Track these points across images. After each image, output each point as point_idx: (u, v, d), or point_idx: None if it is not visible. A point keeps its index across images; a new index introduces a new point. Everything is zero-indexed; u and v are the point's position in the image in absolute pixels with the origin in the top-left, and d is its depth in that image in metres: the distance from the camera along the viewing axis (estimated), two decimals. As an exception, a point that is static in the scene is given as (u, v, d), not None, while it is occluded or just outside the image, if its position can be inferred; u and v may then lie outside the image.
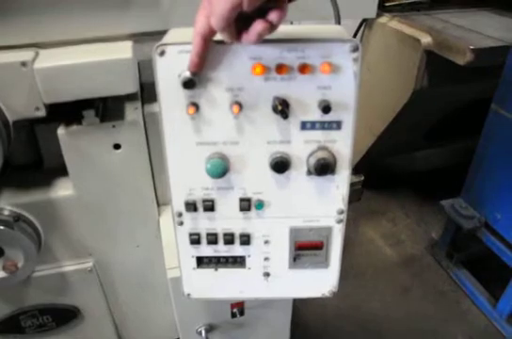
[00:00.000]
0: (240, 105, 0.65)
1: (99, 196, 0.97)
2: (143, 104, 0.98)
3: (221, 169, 0.67)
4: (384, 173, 2.38)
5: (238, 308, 0.99)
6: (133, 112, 0.94)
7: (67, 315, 1.14)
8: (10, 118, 0.87)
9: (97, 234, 1.02)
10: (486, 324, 1.70)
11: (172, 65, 0.64)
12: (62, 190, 0.97)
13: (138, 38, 0.94)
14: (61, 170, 0.96)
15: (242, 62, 0.63)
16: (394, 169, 2.41)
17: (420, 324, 1.72)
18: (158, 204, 1.05)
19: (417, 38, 1.55)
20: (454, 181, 1.83)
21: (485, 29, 1.61)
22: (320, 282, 0.80)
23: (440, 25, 1.62)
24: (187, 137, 0.68)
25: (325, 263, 0.77)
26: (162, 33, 0.78)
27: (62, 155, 0.93)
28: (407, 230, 2.17)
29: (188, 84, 0.63)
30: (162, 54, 0.63)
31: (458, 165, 1.95)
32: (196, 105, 0.65)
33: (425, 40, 1.53)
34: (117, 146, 0.93)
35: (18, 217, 0.95)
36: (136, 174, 0.97)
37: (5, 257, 0.96)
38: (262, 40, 0.60)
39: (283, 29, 0.67)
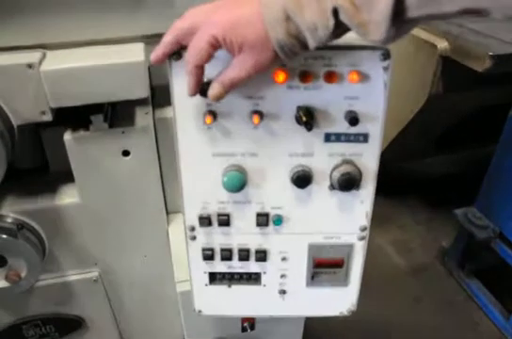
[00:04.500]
0: (261, 115, 0.61)
1: (106, 204, 0.94)
2: (154, 109, 0.95)
3: (239, 183, 0.63)
4: (394, 179, 2.33)
5: (249, 323, 0.96)
6: (143, 117, 0.90)
7: (71, 326, 1.10)
8: (15, 122, 0.83)
9: (103, 244, 0.98)
10: (498, 336, 1.66)
11: None
12: (68, 198, 0.93)
13: (150, 39, 0.90)
14: (67, 176, 0.92)
15: None
16: (405, 174, 2.37)
17: (430, 335, 1.68)
18: (167, 212, 1.01)
19: (433, 43, 1.51)
20: (465, 188, 1.80)
21: (501, 34, 1.56)
22: (338, 300, 0.76)
23: (457, 30, 1.58)
24: (203, 148, 0.64)
25: (344, 281, 0.74)
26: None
27: (68, 160, 0.89)
28: (416, 237, 2.12)
29: (206, 91, 0.59)
30: (178, 58, 0.59)
31: (469, 172, 1.91)
32: (213, 114, 0.62)
33: (442, 45, 1.49)
34: (126, 153, 0.89)
35: (22, 226, 0.92)
36: (145, 182, 0.93)
37: (7, 266, 0.92)
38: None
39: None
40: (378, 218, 2.22)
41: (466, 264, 1.82)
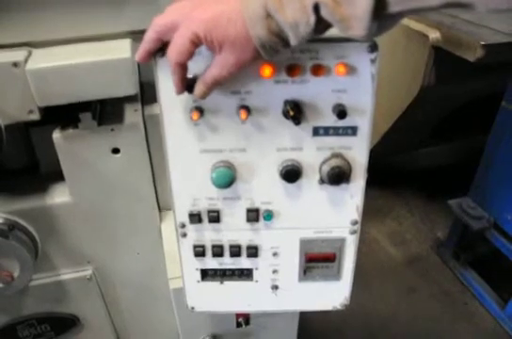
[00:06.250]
0: (248, 110, 0.61)
1: (97, 202, 0.93)
2: (143, 106, 0.94)
3: (228, 179, 0.63)
4: (388, 171, 2.33)
5: (244, 318, 0.96)
6: (132, 114, 0.89)
7: (66, 324, 1.09)
8: (2, 121, 0.82)
9: (96, 242, 0.97)
10: (494, 326, 1.67)
11: None
12: (59, 197, 0.92)
13: (138, 35, 0.89)
14: (58, 175, 0.92)
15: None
16: (398, 166, 2.37)
17: (426, 325, 1.69)
18: (159, 209, 1.00)
19: (425, 33, 1.50)
20: (458, 178, 1.80)
21: (494, 24, 1.55)
22: (331, 294, 0.76)
23: (449, 21, 1.57)
24: (191, 145, 0.63)
25: (337, 275, 0.73)
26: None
27: (59, 159, 0.88)
28: (411, 229, 2.13)
29: (192, 87, 0.58)
30: (162, 55, 0.59)
31: (463, 162, 1.91)
32: (200, 110, 0.61)
33: (434, 35, 1.48)
34: (115, 150, 0.88)
35: (13, 226, 0.91)
36: (136, 179, 0.93)
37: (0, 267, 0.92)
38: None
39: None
40: (373, 210, 2.24)
41: (461, 254, 1.83)
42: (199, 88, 0.57)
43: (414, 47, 1.56)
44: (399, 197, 2.30)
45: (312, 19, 0.48)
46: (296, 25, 0.48)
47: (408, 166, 2.38)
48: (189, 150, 0.63)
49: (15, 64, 0.77)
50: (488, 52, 1.35)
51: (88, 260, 1.00)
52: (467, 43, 1.39)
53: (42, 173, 1.01)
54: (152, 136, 0.92)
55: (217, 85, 0.56)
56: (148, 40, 0.57)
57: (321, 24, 0.49)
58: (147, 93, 0.97)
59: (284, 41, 0.51)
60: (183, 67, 0.56)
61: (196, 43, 0.53)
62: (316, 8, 0.47)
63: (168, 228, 0.97)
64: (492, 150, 1.56)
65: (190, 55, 0.54)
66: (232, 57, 0.53)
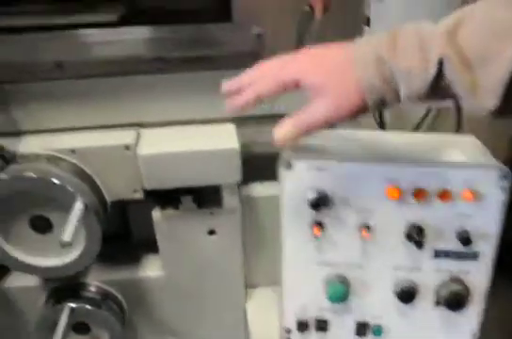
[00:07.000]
0: (369, 229, 0.61)
1: (188, 279, 0.95)
2: (239, 186, 0.95)
3: (342, 295, 0.63)
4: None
5: None
6: (230, 197, 0.90)
7: None
8: (108, 199, 0.87)
9: (182, 316, 0.99)
10: None
11: (301, 181, 0.61)
12: (152, 270, 0.95)
13: (240, 121, 0.92)
14: (149, 246, 0.95)
15: (377, 184, 0.59)
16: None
17: None
18: (245, 287, 1.01)
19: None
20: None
21: None
22: None
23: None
24: (308, 256, 0.64)
25: None
26: (265, 117, 0.79)
27: (152, 229, 0.91)
28: None
29: (318, 205, 0.60)
30: (289, 167, 0.60)
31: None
32: (321, 225, 0.62)
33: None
34: (212, 232, 0.91)
35: (106, 296, 0.94)
36: (227, 259, 0.94)
37: (90, 335, 0.95)
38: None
39: (415, 140, 0.64)
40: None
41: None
42: (284, 125, 0.51)
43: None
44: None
45: (433, 70, 0.44)
46: (413, 74, 0.45)
47: None
48: (306, 261, 0.64)
49: (127, 147, 0.82)
50: None
51: (172, 333, 1.01)
52: None
53: (134, 241, 1.04)
54: (245, 215, 0.94)
55: (307, 128, 0.51)
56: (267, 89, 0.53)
57: (439, 81, 0.45)
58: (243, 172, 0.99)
59: (394, 92, 0.48)
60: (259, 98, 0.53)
61: (296, 83, 0.51)
62: (440, 64, 0.43)
63: (253, 308, 0.97)
64: None
65: (281, 91, 0.53)
66: (331, 102, 0.50)
